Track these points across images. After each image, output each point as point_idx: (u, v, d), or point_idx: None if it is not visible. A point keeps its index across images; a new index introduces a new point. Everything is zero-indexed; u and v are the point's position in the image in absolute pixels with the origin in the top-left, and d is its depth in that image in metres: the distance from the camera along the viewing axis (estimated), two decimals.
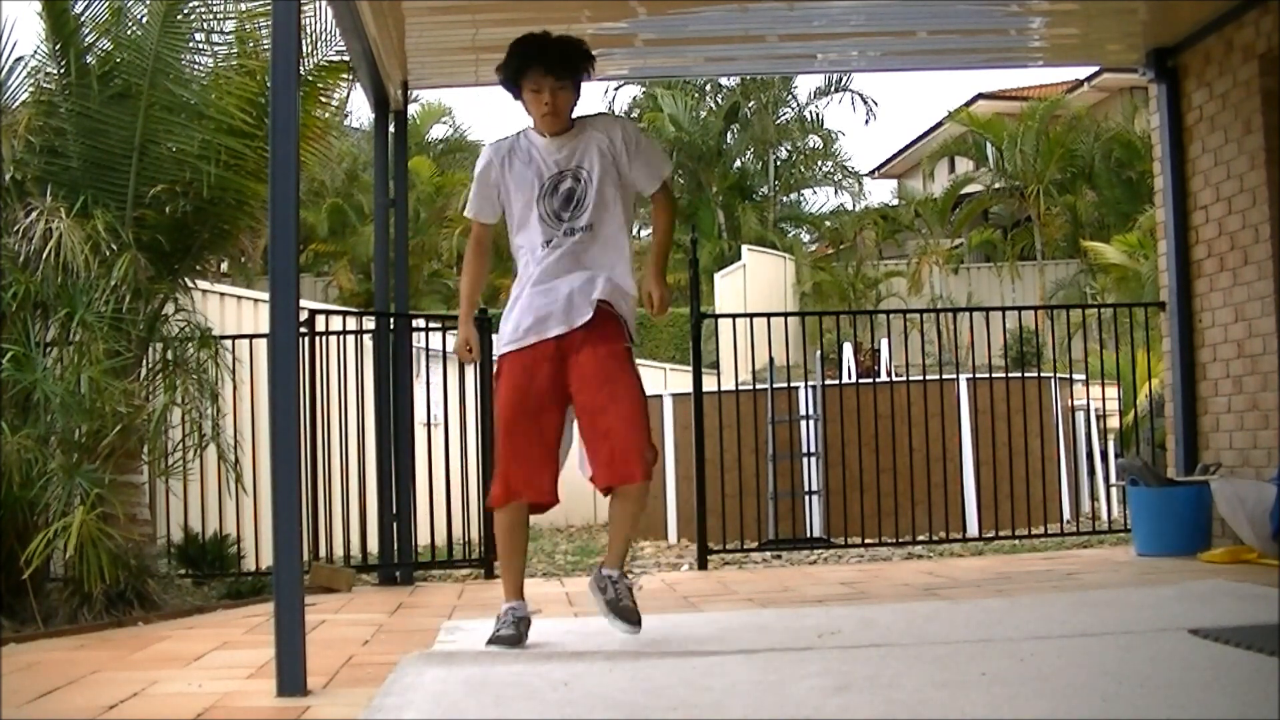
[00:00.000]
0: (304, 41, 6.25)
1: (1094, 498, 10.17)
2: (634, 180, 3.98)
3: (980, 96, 25.63)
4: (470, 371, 6.91)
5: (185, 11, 6.08)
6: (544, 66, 3.75)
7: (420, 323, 7.45)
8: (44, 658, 4.20)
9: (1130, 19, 6.68)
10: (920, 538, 7.91)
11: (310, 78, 6.61)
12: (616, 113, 25.75)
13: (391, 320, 6.66)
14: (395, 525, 6.49)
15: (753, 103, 24.77)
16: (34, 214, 5.36)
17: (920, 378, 9.61)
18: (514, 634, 3.89)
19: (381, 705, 3.06)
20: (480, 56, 6.81)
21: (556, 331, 3.82)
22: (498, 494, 3.89)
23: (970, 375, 9.29)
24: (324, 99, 7.05)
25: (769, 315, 7.98)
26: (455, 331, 7.31)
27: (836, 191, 26.59)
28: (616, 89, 25.32)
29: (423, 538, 6.89)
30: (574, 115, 3.93)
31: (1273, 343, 5.99)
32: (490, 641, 3.88)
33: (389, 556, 6.51)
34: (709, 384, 7.44)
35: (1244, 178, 6.25)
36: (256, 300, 8.26)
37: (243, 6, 6.30)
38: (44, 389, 5.10)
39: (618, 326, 3.89)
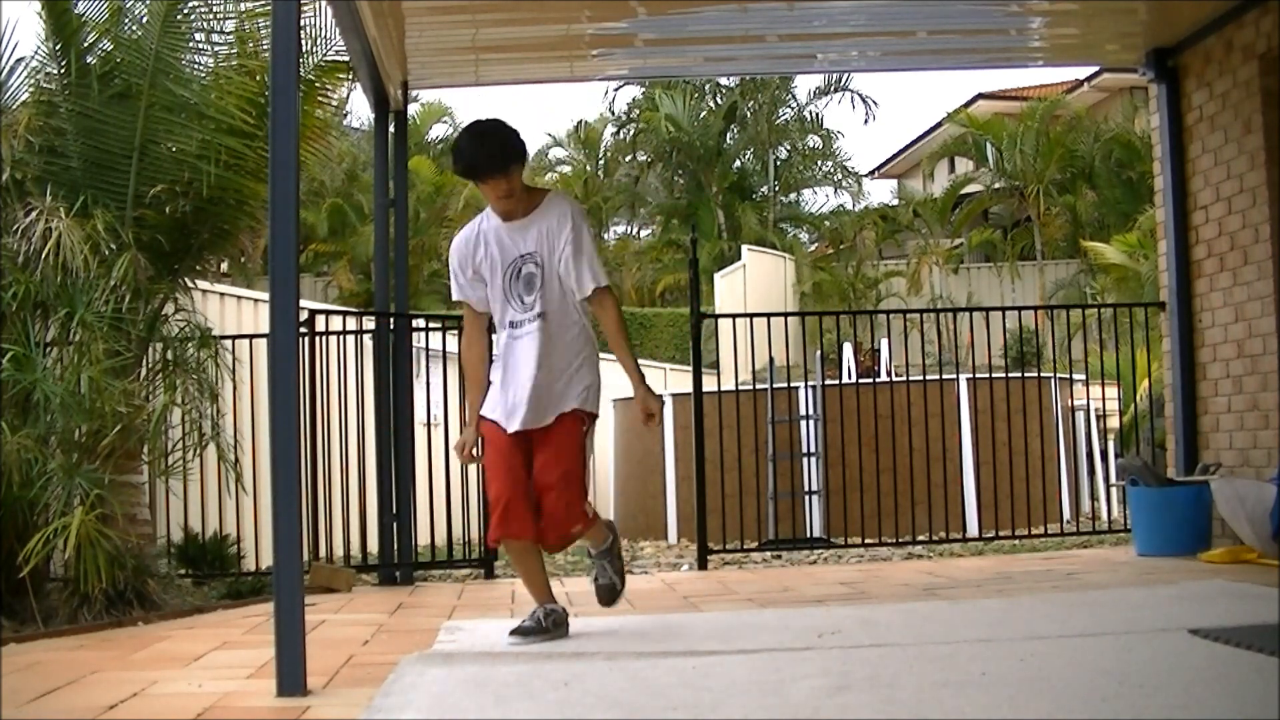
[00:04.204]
0: (304, 41, 6.25)
1: (1094, 498, 10.18)
2: (563, 277, 4.05)
3: (980, 96, 25.63)
4: None
5: (185, 11, 6.08)
6: (490, 164, 3.90)
7: (420, 323, 7.45)
8: (44, 658, 4.20)
9: (1130, 19, 6.68)
10: (920, 538, 7.91)
11: (310, 77, 6.61)
12: (615, 113, 25.83)
13: (391, 320, 6.66)
14: (395, 525, 6.49)
15: (752, 103, 24.76)
16: (34, 214, 5.36)
17: (920, 378, 9.62)
18: (535, 627, 4.01)
19: (381, 705, 3.06)
20: (480, 56, 6.81)
21: (519, 427, 3.99)
22: (492, 535, 4.10)
23: (970, 375, 9.30)
24: (324, 99, 7.05)
25: (769, 315, 7.98)
26: (454, 331, 7.37)
27: (836, 191, 26.63)
28: (617, 89, 25.34)
29: (423, 538, 6.89)
30: (533, 191, 4.12)
31: (1273, 343, 5.99)
32: (511, 631, 4.00)
33: (389, 556, 6.51)
34: (709, 384, 7.43)
35: (1244, 178, 6.25)
36: (256, 300, 8.26)
37: (243, 6, 6.31)
38: (44, 389, 5.10)
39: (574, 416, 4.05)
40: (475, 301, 4.14)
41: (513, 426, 3.99)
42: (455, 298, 4.19)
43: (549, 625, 4.02)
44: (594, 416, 4.11)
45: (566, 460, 3.98)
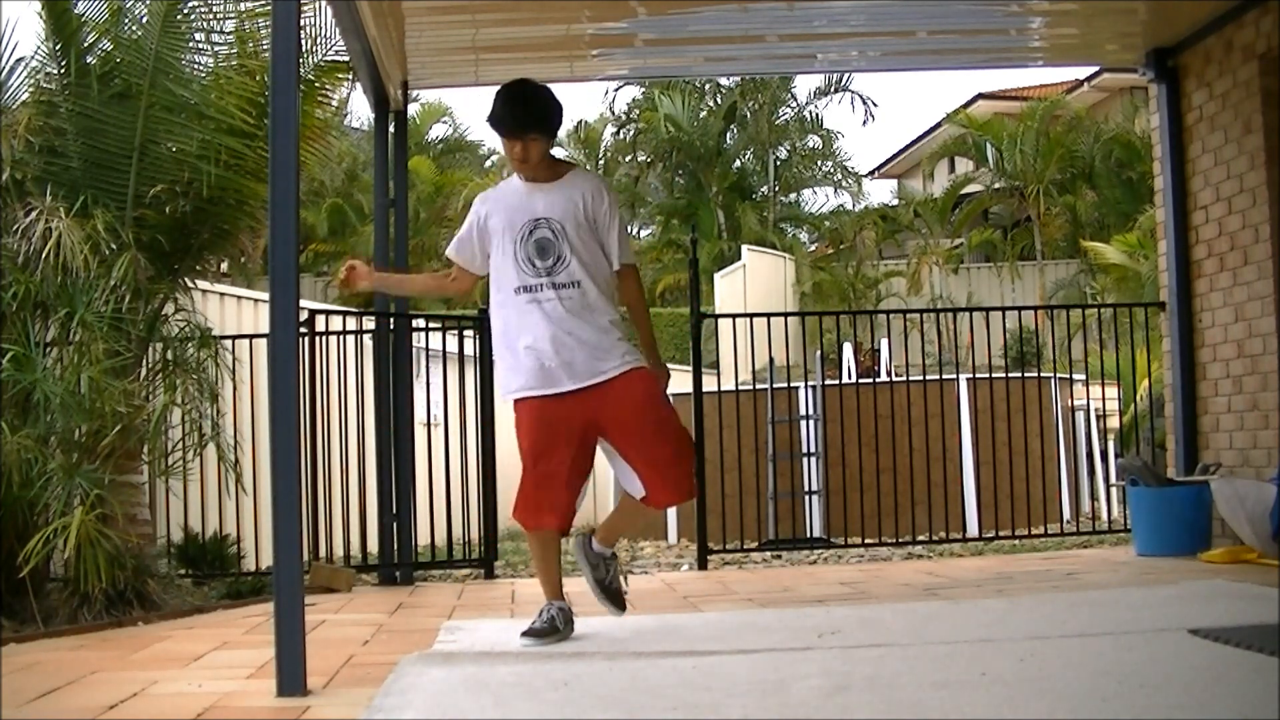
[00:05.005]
0: (304, 41, 6.25)
1: (1094, 498, 10.17)
2: (600, 251, 4.08)
3: (980, 96, 25.63)
4: (470, 371, 6.91)
5: (185, 11, 6.09)
6: (512, 122, 3.93)
7: (420, 323, 7.45)
8: (44, 658, 4.20)
9: (1130, 19, 6.68)
10: (920, 538, 7.91)
11: (310, 78, 6.61)
12: (615, 113, 25.84)
13: (391, 320, 6.66)
14: (395, 525, 6.49)
15: (752, 103, 24.76)
16: (34, 214, 5.36)
17: (920, 378, 9.61)
18: (547, 626, 3.98)
19: (381, 705, 3.06)
20: (480, 56, 6.81)
21: (571, 386, 3.93)
22: (525, 520, 4.03)
23: (970, 375, 9.29)
24: (324, 99, 7.05)
25: (769, 315, 7.98)
26: (454, 331, 7.38)
27: (836, 191, 26.61)
28: (617, 89, 25.33)
29: (423, 538, 6.89)
30: (559, 162, 4.14)
31: (1273, 343, 5.99)
32: (523, 633, 3.97)
33: (389, 556, 6.51)
34: (709, 384, 7.44)
35: (1244, 178, 6.25)
36: (256, 300, 8.26)
37: (243, 6, 6.31)
38: (44, 389, 5.10)
39: (643, 373, 4.02)
40: (464, 261, 4.15)
41: (561, 387, 3.92)
42: (450, 249, 4.17)
43: (561, 624, 4.01)
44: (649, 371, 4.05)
45: (664, 410, 3.96)
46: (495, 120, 3.97)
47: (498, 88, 3.99)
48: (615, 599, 4.19)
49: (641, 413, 3.95)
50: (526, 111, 3.93)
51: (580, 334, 3.92)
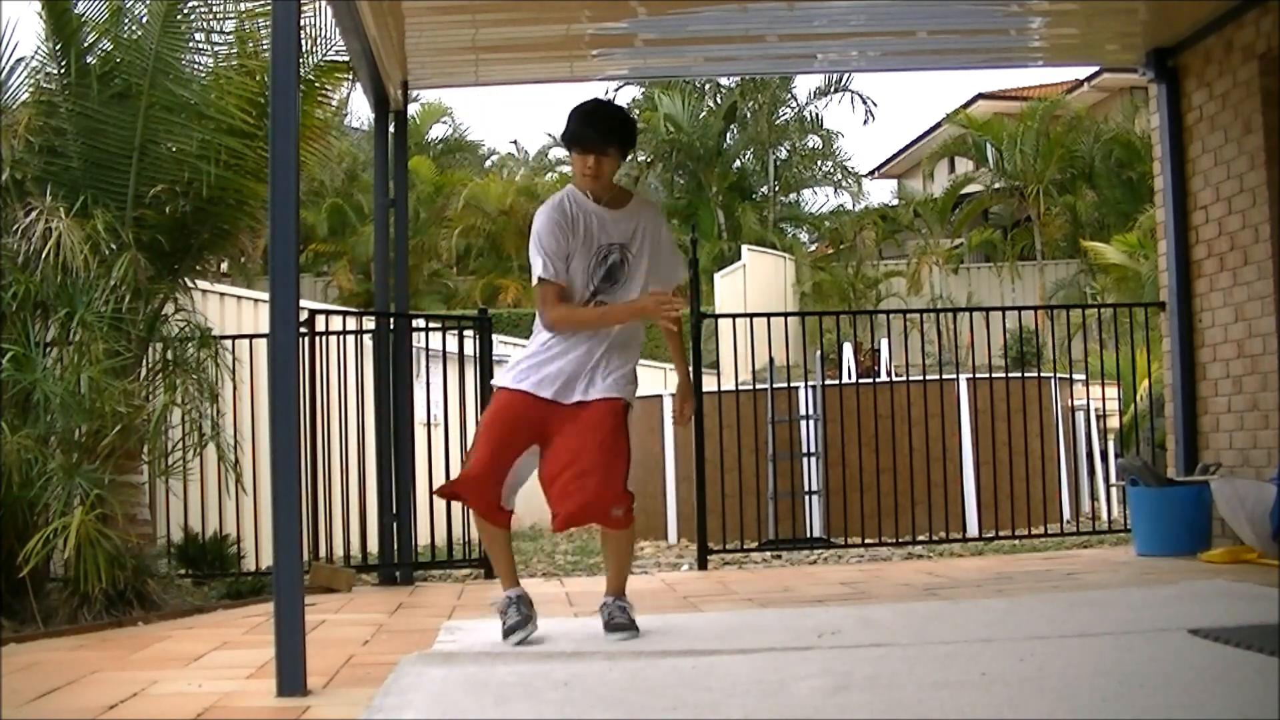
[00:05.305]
0: (304, 41, 6.25)
1: (1094, 498, 10.17)
2: (656, 275, 4.21)
3: (980, 96, 25.62)
4: (470, 371, 6.91)
5: (185, 11, 6.08)
6: (595, 137, 4.02)
7: (420, 323, 7.44)
8: (44, 658, 4.20)
9: (1130, 19, 6.68)
10: (920, 538, 7.91)
11: (310, 78, 6.61)
12: None
13: (391, 320, 6.66)
14: (395, 525, 6.49)
15: (752, 103, 24.75)
16: (34, 214, 5.36)
17: (920, 378, 9.61)
18: (522, 617, 4.01)
19: (381, 705, 3.06)
20: (480, 56, 6.81)
21: (547, 396, 4.01)
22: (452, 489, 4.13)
23: (970, 375, 9.29)
24: (324, 99, 7.06)
25: (769, 315, 7.98)
26: (454, 331, 7.37)
27: (836, 191, 26.62)
28: (617, 89, 25.31)
29: (423, 538, 6.89)
30: (621, 188, 4.22)
31: (1273, 343, 5.99)
32: (506, 635, 3.99)
33: (389, 556, 6.51)
34: (709, 384, 7.44)
35: (1244, 178, 6.25)
36: (256, 300, 8.26)
37: (243, 6, 6.31)
38: (44, 389, 5.10)
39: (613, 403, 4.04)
40: (563, 280, 4.06)
41: (542, 394, 3.99)
42: (543, 276, 4.02)
43: (529, 611, 4.05)
44: (629, 406, 4.10)
45: (609, 441, 3.94)
46: (572, 137, 4.03)
47: (572, 107, 4.05)
48: (622, 629, 4.06)
49: (580, 437, 3.94)
50: (608, 126, 4.04)
51: (591, 362, 4.03)
